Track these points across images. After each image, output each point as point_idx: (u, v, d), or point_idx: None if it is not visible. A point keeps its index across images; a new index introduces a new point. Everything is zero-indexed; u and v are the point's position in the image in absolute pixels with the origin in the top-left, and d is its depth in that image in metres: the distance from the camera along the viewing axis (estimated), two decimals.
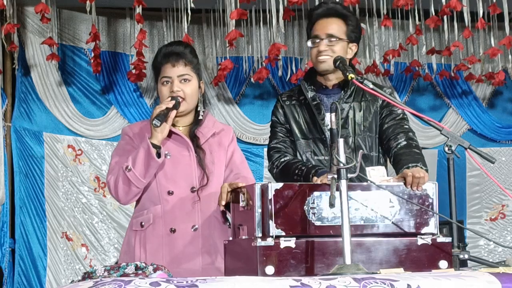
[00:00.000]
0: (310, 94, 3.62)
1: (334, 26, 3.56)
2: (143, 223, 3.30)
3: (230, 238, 2.98)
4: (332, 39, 3.53)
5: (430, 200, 2.86)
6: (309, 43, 3.60)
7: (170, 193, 3.28)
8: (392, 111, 3.60)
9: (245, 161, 3.50)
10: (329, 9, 3.61)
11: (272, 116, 3.72)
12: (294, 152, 3.63)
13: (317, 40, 3.56)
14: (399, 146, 3.48)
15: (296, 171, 3.47)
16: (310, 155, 3.59)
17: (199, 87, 3.39)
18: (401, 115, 3.60)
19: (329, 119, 3.52)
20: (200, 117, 3.38)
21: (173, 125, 3.32)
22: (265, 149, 4.43)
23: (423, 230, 2.83)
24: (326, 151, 3.56)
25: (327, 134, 3.55)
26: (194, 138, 3.36)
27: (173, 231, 3.26)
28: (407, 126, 3.58)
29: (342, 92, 3.58)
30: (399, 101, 3.52)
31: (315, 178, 3.26)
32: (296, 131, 3.63)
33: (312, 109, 3.60)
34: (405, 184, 2.89)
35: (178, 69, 3.33)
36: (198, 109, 3.39)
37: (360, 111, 3.59)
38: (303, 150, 3.61)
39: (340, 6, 3.63)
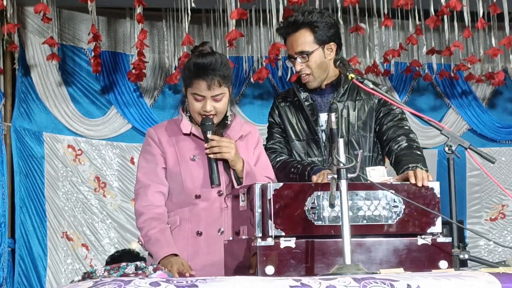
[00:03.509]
0: (303, 95, 3.61)
1: (301, 41, 3.51)
2: (170, 225, 3.29)
3: (230, 238, 2.98)
4: (304, 55, 3.51)
5: (436, 199, 2.84)
6: (288, 63, 3.60)
7: (197, 196, 3.26)
8: (391, 110, 3.58)
9: (269, 164, 3.46)
10: (291, 24, 3.55)
11: (269, 117, 3.73)
12: (290, 152, 3.63)
13: (292, 59, 3.55)
14: (400, 147, 3.47)
15: (292, 169, 3.48)
16: (303, 157, 3.59)
17: (230, 94, 3.33)
18: (400, 114, 3.58)
19: (326, 119, 3.56)
20: (228, 121, 3.35)
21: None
22: None
23: (429, 230, 2.81)
24: (319, 152, 3.57)
25: (320, 134, 3.57)
26: None
27: (199, 234, 3.25)
28: (407, 127, 3.56)
29: (336, 91, 3.58)
30: (398, 100, 3.51)
31: (313, 177, 3.25)
32: (291, 132, 3.64)
33: (305, 110, 3.59)
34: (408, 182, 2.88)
35: (214, 91, 3.22)
36: (227, 114, 3.35)
37: (354, 110, 3.58)
38: (298, 152, 3.61)
39: (301, 15, 3.54)
